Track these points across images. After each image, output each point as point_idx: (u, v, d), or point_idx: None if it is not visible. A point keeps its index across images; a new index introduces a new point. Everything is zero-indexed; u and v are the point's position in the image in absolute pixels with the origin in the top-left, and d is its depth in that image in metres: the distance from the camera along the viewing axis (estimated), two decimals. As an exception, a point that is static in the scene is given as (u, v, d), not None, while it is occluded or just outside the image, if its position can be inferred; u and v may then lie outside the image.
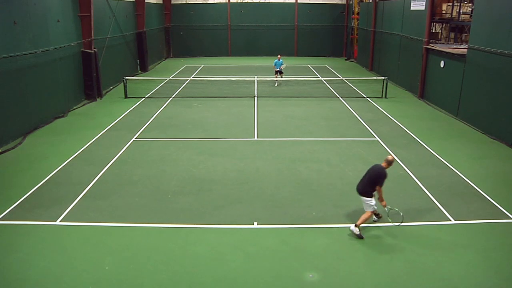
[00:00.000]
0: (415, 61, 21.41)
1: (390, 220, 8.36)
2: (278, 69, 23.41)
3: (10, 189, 10.10)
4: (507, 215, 8.93)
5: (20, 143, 13.50)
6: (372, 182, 7.99)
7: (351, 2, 36.45)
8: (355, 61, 34.80)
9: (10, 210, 9.06)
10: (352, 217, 8.84)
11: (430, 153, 12.77)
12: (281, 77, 23.71)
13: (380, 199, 8.12)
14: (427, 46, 20.01)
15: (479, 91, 15.50)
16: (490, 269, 7.09)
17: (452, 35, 21.87)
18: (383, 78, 21.48)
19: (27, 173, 11.13)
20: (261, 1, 37.65)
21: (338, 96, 21.01)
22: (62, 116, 16.92)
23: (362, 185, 8.13)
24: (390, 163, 8.09)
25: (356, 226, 8.06)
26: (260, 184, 10.50)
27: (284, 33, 38.25)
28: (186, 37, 38.33)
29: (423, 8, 20.50)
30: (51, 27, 16.43)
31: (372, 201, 8.05)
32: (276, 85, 23.73)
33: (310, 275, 6.94)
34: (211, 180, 10.70)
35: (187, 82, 24.63)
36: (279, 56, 24.53)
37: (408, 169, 11.44)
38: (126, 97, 20.37)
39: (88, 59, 19.44)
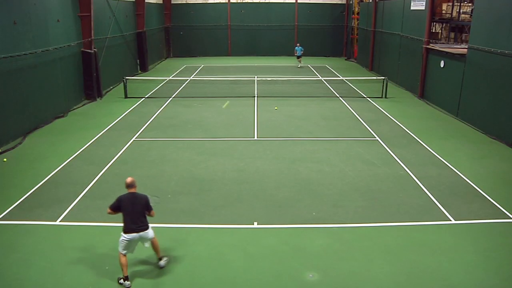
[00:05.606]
0: (415, 61, 21.40)
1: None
2: None
3: (10, 189, 10.10)
4: (507, 215, 8.94)
5: (20, 143, 13.50)
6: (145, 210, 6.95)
7: (351, 2, 36.43)
8: (355, 61, 34.79)
9: (10, 210, 9.06)
10: (352, 217, 8.85)
11: (430, 153, 12.76)
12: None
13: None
14: (427, 46, 20.01)
15: (479, 91, 15.50)
16: (490, 269, 7.09)
17: (452, 35, 21.86)
18: (383, 78, 21.47)
19: (27, 173, 11.13)
20: (261, 1, 37.64)
21: (338, 96, 21.01)
22: (62, 116, 16.91)
23: (141, 220, 6.83)
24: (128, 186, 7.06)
25: (161, 259, 7.22)
26: (260, 184, 10.50)
27: (284, 33, 38.22)
28: (186, 37, 38.31)
29: (423, 8, 20.50)
30: (51, 27, 16.42)
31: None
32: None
33: (310, 275, 6.94)
34: (211, 180, 10.70)
35: (187, 82, 24.63)
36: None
37: (408, 169, 11.44)
38: (126, 97, 20.36)
39: (88, 59, 19.43)
